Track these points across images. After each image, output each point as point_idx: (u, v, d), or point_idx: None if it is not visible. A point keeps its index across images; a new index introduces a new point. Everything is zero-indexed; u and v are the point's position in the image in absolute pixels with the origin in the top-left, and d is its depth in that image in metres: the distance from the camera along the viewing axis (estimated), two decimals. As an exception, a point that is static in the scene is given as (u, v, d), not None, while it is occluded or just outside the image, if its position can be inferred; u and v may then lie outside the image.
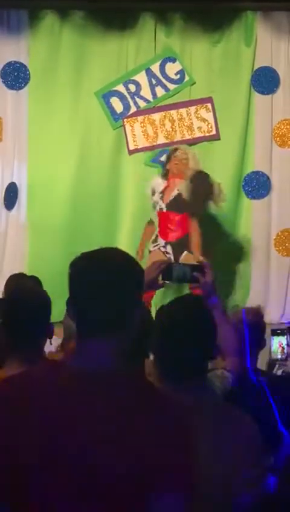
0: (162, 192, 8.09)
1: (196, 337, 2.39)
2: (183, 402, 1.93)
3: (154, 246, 8.03)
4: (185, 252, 7.95)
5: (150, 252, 8.05)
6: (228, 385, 2.96)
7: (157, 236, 8.09)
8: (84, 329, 1.93)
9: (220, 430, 2.25)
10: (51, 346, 3.55)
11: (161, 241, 8.03)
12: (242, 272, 9.16)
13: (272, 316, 8.53)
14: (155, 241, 8.09)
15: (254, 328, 3.99)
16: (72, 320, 2.00)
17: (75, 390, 1.85)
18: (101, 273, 1.91)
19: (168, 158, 8.15)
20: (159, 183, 8.18)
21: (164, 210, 8.07)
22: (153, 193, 8.18)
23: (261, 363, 4.27)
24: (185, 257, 7.88)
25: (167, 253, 7.94)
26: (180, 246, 7.98)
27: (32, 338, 3.06)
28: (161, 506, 1.77)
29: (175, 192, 8.01)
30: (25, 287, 4.25)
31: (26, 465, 1.79)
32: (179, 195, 7.99)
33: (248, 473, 2.19)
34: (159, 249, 7.98)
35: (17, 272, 7.69)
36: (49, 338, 3.23)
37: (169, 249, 7.97)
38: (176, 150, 8.17)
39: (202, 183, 8.03)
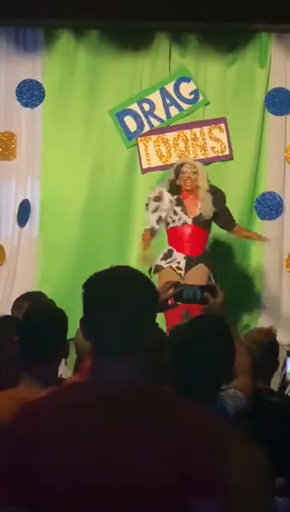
0: (182, 205, 7.71)
1: (212, 358, 2.38)
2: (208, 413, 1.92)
3: (167, 263, 7.64)
4: (200, 264, 7.58)
5: (161, 268, 7.70)
6: (240, 405, 2.94)
7: (171, 250, 7.70)
8: (101, 348, 1.93)
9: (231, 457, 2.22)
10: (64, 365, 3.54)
11: (178, 256, 7.63)
12: (254, 293, 9.14)
13: (283, 337, 8.48)
14: (168, 256, 7.68)
15: (266, 349, 3.97)
16: (86, 339, 2.00)
17: (100, 410, 1.84)
18: (117, 293, 1.91)
19: (176, 174, 7.79)
20: (168, 196, 7.76)
21: (189, 223, 7.68)
22: (172, 206, 7.75)
23: (273, 384, 4.24)
24: (197, 267, 7.58)
25: (179, 268, 7.59)
26: (195, 261, 7.62)
27: (48, 357, 3.04)
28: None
29: (199, 210, 7.69)
30: (41, 304, 4.24)
31: (53, 490, 1.78)
32: (201, 213, 7.69)
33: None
34: (170, 266, 7.62)
35: (28, 288, 7.73)
36: (64, 358, 3.22)
37: (183, 264, 7.59)
38: (182, 165, 7.83)
39: (220, 200, 7.84)
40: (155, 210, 7.77)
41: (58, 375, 3.46)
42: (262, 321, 8.53)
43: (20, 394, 2.78)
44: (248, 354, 3.28)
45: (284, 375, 4.60)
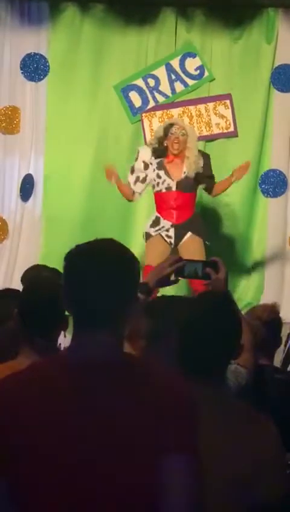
0: (165, 169, 7.54)
1: (217, 335, 2.36)
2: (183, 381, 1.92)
3: (156, 231, 7.55)
4: (189, 233, 7.48)
5: (149, 236, 7.62)
6: (242, 381, 2.94)
7: (158, 218, 7.59)
8: (81, 320, 1.92)
9: (238, 428, 2.22)
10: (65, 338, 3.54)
11: (166, 224, 7.54)
12: (257, 270, 9.14)
13: (286, 314, 8.48)
14: (156, 224, 7.57)
15: (269, 325, 3.97)
16: (67, 311, 1.99)
17: (76, 384, 1.85)
18: (97, 265, 1.89)
19: (165, 135, 7.53)
20: (150, 157, 7.62)
21: (173, 189, 7.52)
22: (146, 167, 7.62)
23: (275, 361, 4.24)
24: (188, 239, 7.51)
25: (169, 236, 7.50)
26: (184, 228, 7.52)
27: (46, 329, 3.06)
28: (171, 475, 1.78)
29: (183, 173, 7.52)
30: (41, 277, 4.24)
31: (32, 463, 1.79)
32: (186, 176, 7.52)
33: (269, 477, 2.16)
34: (160, 234, 7.52)
35: (31, 263, 7.72)
36: (64, 330, 3.22)
37: (172, 232, 7.50)
38: (171, 125, 7.56)
39: (207, 166, 7.70)
40: (132, 171, 7.72)
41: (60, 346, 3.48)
42: (265, 298, 8.53)
43: (19, 366, 2.78)
44: (250, 330, 3.27)
45: (287, 352, 4.61)
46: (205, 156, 7.71)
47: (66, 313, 3.15)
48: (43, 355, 2.90)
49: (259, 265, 9.16)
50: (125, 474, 1.77)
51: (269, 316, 3.99)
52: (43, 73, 9.14)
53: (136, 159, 7.71)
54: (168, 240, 7.54)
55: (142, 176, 7.63)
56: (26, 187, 9.13)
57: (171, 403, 1.83)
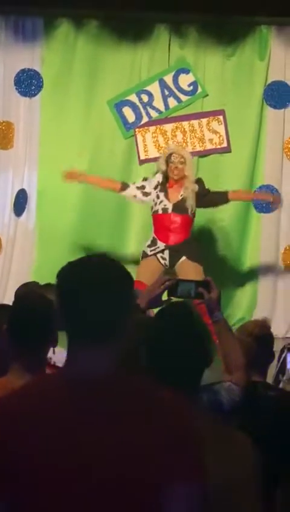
0: (165, 192, 7.74)
1: (183, 347, 2.35)
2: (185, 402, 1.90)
3: (152, 251, 7.68)
4: (184, 258, 7.62)
5: (145, 256, 7.73)
6: (235, 398, 2.94)
7: (155, 239, 7.73)
8: (76, 338, 1.90)
9: (211, 446, 2.18)
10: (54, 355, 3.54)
11: (161, 245, 7.67)
12: (249, 285, 9.15)
13: (279, 329, 8.50)
14: (153, 244, 7.70)
15: (261, 341, 3.96)
16: (61, 329, 1.97)
17: (75, 400, 1.83)
18: (91, 282, 1.87)
19: (166, 164, 7.76)
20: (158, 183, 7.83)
21: (169, 211, 7.69)
22: (156, 188, 7.78)
23: (269, 376, 4.24)
24: (182, 263, 7.62)
25: (163, 258, 7.65)
26: (178, 251, 7.63)
27: (35, 346, 3.05)
28: (173, 506, 1.76)
29: (180, 196, 7.69)
30: (30, 293, 4.23)
31: (31, 485, 1.77)
32: (183, 199, 7.68)
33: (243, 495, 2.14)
34: (155, 254, 7.65)
35: (24, 278, 7.73)
36: (53, 347, 3.21)
37: (166, 254, 7.64)
38: (171, 155, 7.77)
39: (202, 191, 7.86)
40: (144, 179, 7.92)
41: (52, 362, 3.47)
42: (257, 313, 8.54)
43: (9, 384, 2.78)
44: (241, 349, 3.28)
45: (279, 368, 4.60)
46: (199, 181, 7.86)
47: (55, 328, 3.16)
48: (32, 372, 2.90)
49: (252, 280, 9.17)
50: (123, 491, 1.76)
51: (261, 332, 3.98)
52: (37, 89, 9.17)
53: (155, 173, 7.87)
54: (162, 261, 7.66)
55: (148, 190, 7.77)
56: (20, 202, 9.14)
57: (171, 422, 1.80)
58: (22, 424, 1.81)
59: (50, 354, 3.30)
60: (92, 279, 1.87)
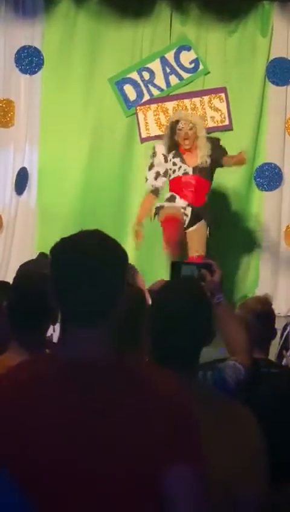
0: (180, 157, 7.60)
1: (185, 326, 2.32)
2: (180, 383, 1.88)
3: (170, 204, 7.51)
4: (202, 221, 7.51)
5: (161, 208, 7.59)
6: (240, 376, 2.93)
7: (174, 196, 7.57)
8: (69, 318, 1.86)
9: (217, 424, 2.16)
10: (55, 332, 3.52)
11: (182, 203, 7.51)
12: (251, 263, 9.14)
13: (281, 308, 8.51)
14: (172, 200, 7.55)
15: (262, 317, 3.95)
16: (54, 307, 1.92)
17: (66, 381, 1.80)
18: (83, 259, 1.82)
19: (172, 131, 7.63)
20: (161, 150, 7.72)
21: (190, 172, 7.56)
22: (166, 160, 7.67)
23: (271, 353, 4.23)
24: (198, 226, 7.54)
25: (186, 215, 7.49)
26: (198, 213, 7.56)
27: (34, 323, 3.03)
28: (175, 488, 1.73)
29: (199, 160, 7.58)
30: (29, 271, 4.21)
31: (23, 464, 1.74)
32: (201, 163, 7.59)
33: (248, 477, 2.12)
34: (175, 206, 7.45)
35: (25, 256, 7.72)
36: (53, 324, 3.20)
37: (189, 211, 7.50)
38: (177, 122, 7.62)
39: (218, 152, 7.66)
40: (151, 167, 7.74)
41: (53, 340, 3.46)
42: (259, 291, 8.54)
43: (8, 361, 2.77)
44: (245, 329, 3.27)
45: (282, 345, 4.60)
46: (213, 141, 7.74)
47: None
48: (32, 350, 2.89)
49: (254, 258, 9.17)
50: (116, 474, 1.72)
51: (262, 308, 3.96)
52: (37, 66, 9.12)
53: (154, 154, 7.77)
54: (185, 217, 7.52)
55: (162, 170, 7.69)
56: (21, 180, 9.12)
57: (164, 405, 1.77)
58: (11, 406, 1.78)
59: (51, 331, 3.29)
60: (84, 257, 1.83)
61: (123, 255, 1.89)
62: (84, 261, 1.82)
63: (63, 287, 1.84)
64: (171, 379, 1.86)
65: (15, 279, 3.34)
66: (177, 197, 7.58)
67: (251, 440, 2.15)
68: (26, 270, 4.67)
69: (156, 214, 7.63)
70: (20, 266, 5.17)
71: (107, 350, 1.83)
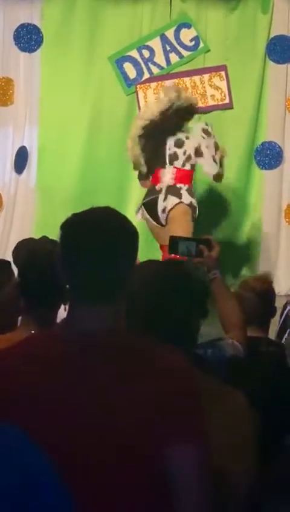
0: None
1: (181, 297, 2.30)
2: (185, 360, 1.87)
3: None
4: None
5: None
6: (239, 355, 2.94)
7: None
8: (79, 293, 1.86)
9: (209, 406, 2.16)
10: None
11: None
12: (252, 242, 9.14)
13: (281, 287, 8.51)
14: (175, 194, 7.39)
15: (263, 296, 3.96)
16: (63, 284, 1.92)
17: (71, 357, 1.80)
18: (94, 236, 1.82)
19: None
20: None
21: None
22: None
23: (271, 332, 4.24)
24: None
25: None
26: None
27: (46, 300, 3.03)
28: (177, 464, 1.73)
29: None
30: (40, 248, 4.21)
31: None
32: None
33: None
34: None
35: (25, 235, 7.70)
36: (64, 304, 3.19)
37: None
38: None
39: None
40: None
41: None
42: (260, 270, 8.54)
43: (19, 338, 2.76)
44: (242, 304, 3.27)
45: (282, 324, 4.60)
46: None
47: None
48: (42, 327, 2.89)
49: (255, 238, 9.16)
50: (120, 451, 1.73)
51: (262, 287, 3.97)
52: (36, 44, 9.07)
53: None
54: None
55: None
56: (21, 159, 9.09)
57: (172, 384, 1.77)
58: (16, 381, 1.78)
59: (62, 311, 3.28)
60: (96, 233, 1.83)
61: (134, 232, 1.89)
62: (95, 237, 1.82)
63: (72, 263, 1.84)
64: (176, 356, 1.86)
65: (28, 256, 3.32)
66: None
67: (240, 422, 2.15)
68: (35, 248, 4.67)
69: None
70: (20, 243, 5.14)
71: (114, 326, 1.83)
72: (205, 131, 7.41)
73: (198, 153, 7.41)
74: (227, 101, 9.13)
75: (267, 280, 4.15)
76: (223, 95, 9.12)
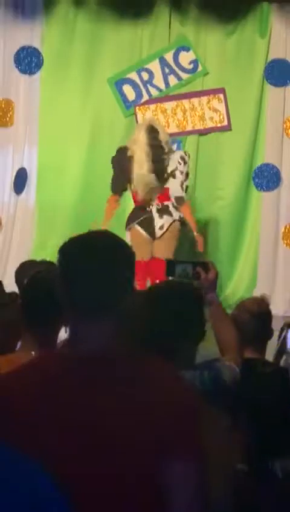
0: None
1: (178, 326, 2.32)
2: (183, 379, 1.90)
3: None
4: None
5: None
6: (236, 376, 2.96)
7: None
8: (78, 314, 1.90)
9: None
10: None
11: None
12: (249, 264, 9.15)
13: (278, 308, 8.51)
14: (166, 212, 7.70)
15: (260, 317, 3.96)
16: (62, 304, 1.96)
17: (75, 377, 1.83)
18: (93, 259, 1.87)
19: None
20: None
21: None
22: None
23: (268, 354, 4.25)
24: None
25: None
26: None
27: (47, 322, 3.04)
28: (175, 476, 1.77)
29: None
30: (44, 270, 4.24)
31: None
32: None
33: None
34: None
35: (24, 256, 7.74)
36: (65, 325, 3.21)
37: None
38: None
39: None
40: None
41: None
42: (257, 292, 8.54)
43: (19, 360, 2.79)
44: (239, 326, 3.29)
45: (280, 347, 4.60)
46: None
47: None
48: (43, 348, 2.91)
49: (252, 259, 9.17)
50: (124, 471, 1.76)
51: (259, 308, 3.97)
52: (36, 66, 9.14)
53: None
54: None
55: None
56: (20, 180, 9.13)
57: (171, 402, 1.81)
58: (23, 404, 1.80)
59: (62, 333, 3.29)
60: (93, 255, 1.87)
61: (131, 254, 1.94)
62: (93, 259, 1.86)
63: (71, 284, 1.88)
64: (176, 375, 1.91)
65: (31, 277, 3.35)
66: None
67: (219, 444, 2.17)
68: (39, 270, 4.70)
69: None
70: (22, 265, 5.17)
71: (115, 345, 1.87)
72: (182, 159, 7.72)
73: (171, 174, 7.69)
74: (225, 123, 9.19)
75: (264, 302, 4.14)
76: (221, 117, 9.17)
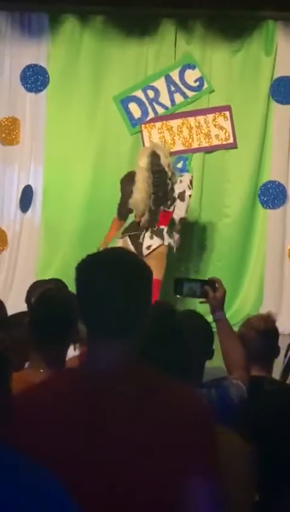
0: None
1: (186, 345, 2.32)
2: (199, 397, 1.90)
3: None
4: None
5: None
6: (243, 394, 2.95)
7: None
8: (96, 333, 1.89)
9: None
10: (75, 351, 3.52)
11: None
12: (255, 281, 9.13)
13: (285, 326, 8.48)
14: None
15: (266, 335, 3.94)
16: (82, 323, 1.97)
17: (91, 395, 1.83)
18: (111, 277, 1.87)
19: None
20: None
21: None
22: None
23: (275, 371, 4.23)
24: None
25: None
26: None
27: (56, 340, 3.04)
28: (191, 487, 1.77)
29: None
30: (54, 289, 4.24)
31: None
32: None
33: None
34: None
35: (30, 274, 7.74)
36: (74, 343, 3.20)
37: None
38: None
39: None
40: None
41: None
42: (263, 309, 8.52)
43: (27, 377, 2.78)
44: (245, 344, 3.28)
45: (287, 364, 4.57)
46: None
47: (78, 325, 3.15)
48: (51, 367, 2.90)
49: (258, 277, 9.15)
50: (140, 487, 1.75)
51: (265, 326, 3.95)
52: (42, 84, 9.17)
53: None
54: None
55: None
56: (26, 198, 9.15)
57: (186, 420, 1.80)
58: (41, 418, 1.81)
59: (71, 351, 3.29)
60: (112, 273, 1.87)
61: (148, 272, 1.94)
62: (112, 276, 1.86)
63: (89, 303, 1.88)
64: (189, 391, 1.91)
65: (39, 295, 3.35)
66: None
67: (236, 466, 2.15)
68: (48, 288, 4.71)
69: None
70: (33, 285, 5.17)
71: (131, 364, 1.87)
72: (191, 183, 7.99)
73: (181, 197, 7.89)
74: (231, 140, 9.20)
75: (270, 319, 4.12)
76: (227, 134, 9.19)
